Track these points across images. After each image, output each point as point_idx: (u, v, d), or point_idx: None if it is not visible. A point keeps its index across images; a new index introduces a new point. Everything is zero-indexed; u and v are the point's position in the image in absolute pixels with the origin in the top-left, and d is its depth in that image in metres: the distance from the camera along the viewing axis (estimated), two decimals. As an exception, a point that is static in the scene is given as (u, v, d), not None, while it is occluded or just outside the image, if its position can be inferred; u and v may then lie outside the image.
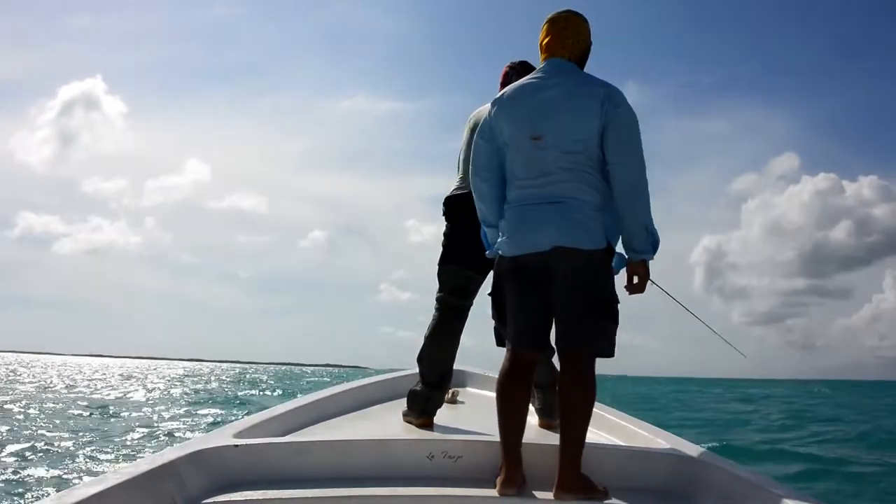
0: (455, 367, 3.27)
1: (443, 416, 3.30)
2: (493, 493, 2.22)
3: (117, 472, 2.01)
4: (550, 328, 2.39)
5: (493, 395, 2.41)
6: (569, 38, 2.43)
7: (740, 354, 3.09)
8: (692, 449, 2.54)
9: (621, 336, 2.37)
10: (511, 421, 2.33)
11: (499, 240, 2.44)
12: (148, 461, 2.16)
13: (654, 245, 2.39)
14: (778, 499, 1.92)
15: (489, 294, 2.51)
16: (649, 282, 2.46)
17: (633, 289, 2.43)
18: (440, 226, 3.28)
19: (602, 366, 2.33)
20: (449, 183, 3.34)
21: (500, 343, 2.49)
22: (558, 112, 2.31)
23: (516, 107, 2.40)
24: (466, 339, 3.25)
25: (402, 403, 3.27)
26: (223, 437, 2.49)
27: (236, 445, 2.37)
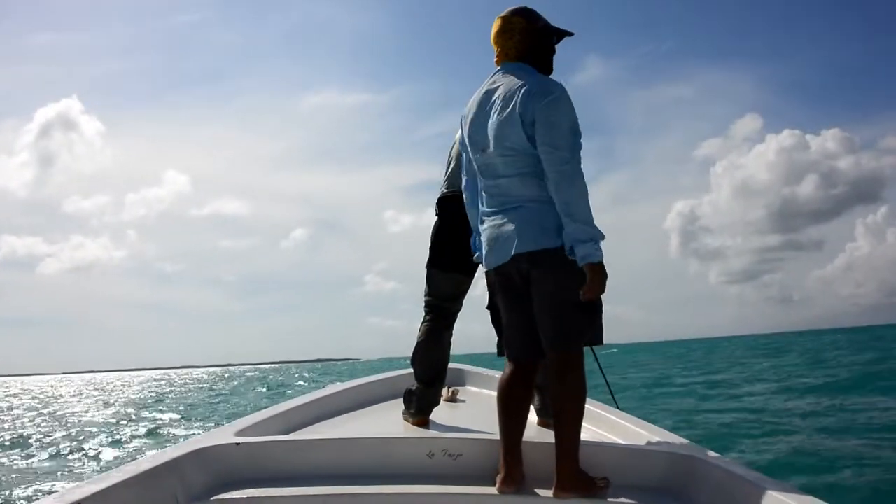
0: (454, 365, 3.28)
1: (443, 414, 3.31)
2: (493, 490, 2.24)
3: (119, 470, 2.03)
4: None
5: (493, 393, 2.43)
6: (503, 39, 2.41)
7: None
8: (690, 446, 2.55)
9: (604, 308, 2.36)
10: (512, 424, 2.34)
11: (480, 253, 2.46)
12: (150, 459, 2.18)
13: (592, 237, 2.13)
14: (775, 496, 1.93)
15: (487, 308, 2.54)
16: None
17: (589, 294, 2.15)
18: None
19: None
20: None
21: (500, 353, 2.51)
22: (492, 117, 2.32)
23: (469, 115, 2.43)
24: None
25: (402, 402, 3.29)
26: (225, 435, 2.50)
27: (238, 443, 2.39)
